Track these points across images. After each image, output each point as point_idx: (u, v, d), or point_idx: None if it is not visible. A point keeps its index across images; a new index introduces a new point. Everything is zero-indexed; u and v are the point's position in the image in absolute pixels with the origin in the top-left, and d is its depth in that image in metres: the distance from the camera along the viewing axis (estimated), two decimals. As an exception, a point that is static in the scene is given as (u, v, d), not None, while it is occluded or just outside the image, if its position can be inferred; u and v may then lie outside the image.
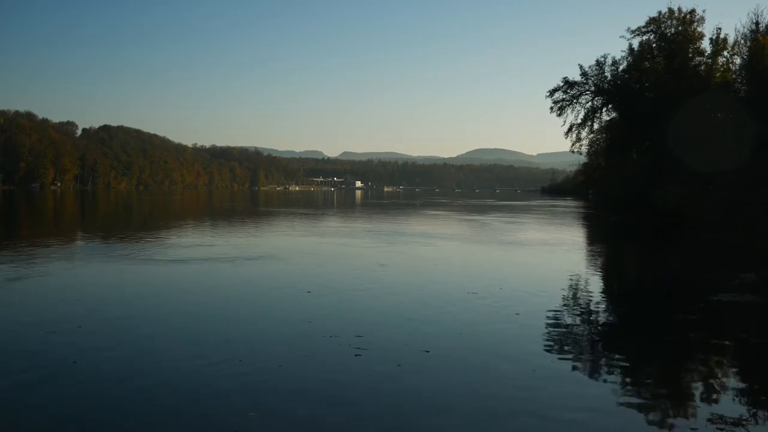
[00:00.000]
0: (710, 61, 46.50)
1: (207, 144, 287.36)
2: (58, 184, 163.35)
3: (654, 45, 49.22)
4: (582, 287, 14.17)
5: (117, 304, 11.03)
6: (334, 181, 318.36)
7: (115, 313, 10.25)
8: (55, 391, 6.47)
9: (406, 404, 6.27)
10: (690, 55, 47.35)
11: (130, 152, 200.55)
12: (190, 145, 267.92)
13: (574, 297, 12.90)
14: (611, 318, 11.15)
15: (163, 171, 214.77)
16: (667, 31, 48.07)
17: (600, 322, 10.50)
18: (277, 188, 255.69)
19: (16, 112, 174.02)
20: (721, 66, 45.86)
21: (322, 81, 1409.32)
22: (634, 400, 6.55)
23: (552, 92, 52.13)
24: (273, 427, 5.71)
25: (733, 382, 7.27)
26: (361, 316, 10.25)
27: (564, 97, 51.99)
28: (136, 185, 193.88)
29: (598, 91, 51.34)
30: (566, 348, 8.43)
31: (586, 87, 51.70)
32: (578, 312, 11.16)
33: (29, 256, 17.70)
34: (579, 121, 52.23)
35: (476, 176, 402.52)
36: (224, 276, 14.72)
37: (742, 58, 41.33)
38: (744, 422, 5.84)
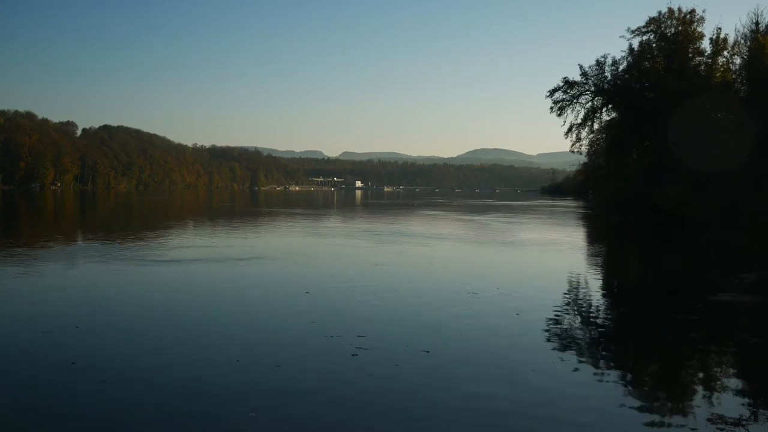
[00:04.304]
0: (710, 61, 46.47)
1: (207, 144, 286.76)
2: (58, 184, 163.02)
3: (654, 45, 49.18)
4: (582, 287, 14.18)
5: (115, 305, 11.03)
6: (334, 181, 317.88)
7: (113, 314, 10.26)
8: (53, 392, 6.47)
9: (406, 404, 6.26)
10: (690, 55, 47.33)
11: (130, 152, 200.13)
12: (190, 145, 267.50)
13: (575, 297, 12.92)
14: (611, 318, 11.15)
15: (163, 171, 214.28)
16: (667, 31, 48.04)
17: (600, 322, 10.51)
18: (277, 188, 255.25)
19: (16, 112, 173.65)
20: (721, 66, 45.83)
21: (322, 81, 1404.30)
22: (635, 400, 6.55)
23: (552, 92, 52.11)
24: (272, 427, 5.72)
25: (733, 382, 7.27)
26: (361, 317, 10.24)
27: (564, 97, 51.95)
28: (136, 185, 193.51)
29: (598, 91, 51.30)
30: (566, 348, 8.43)
31: (586, 87, 51.66)
32: (578, 312, 11.18)
33: (28, 256, 17.70)
34: (579, 121, 52.22)
35: (476, 176, 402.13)
36: (222, 277, 14.73)
37: (742, 58, 41.26)
38: (744, 422, 5.84)
